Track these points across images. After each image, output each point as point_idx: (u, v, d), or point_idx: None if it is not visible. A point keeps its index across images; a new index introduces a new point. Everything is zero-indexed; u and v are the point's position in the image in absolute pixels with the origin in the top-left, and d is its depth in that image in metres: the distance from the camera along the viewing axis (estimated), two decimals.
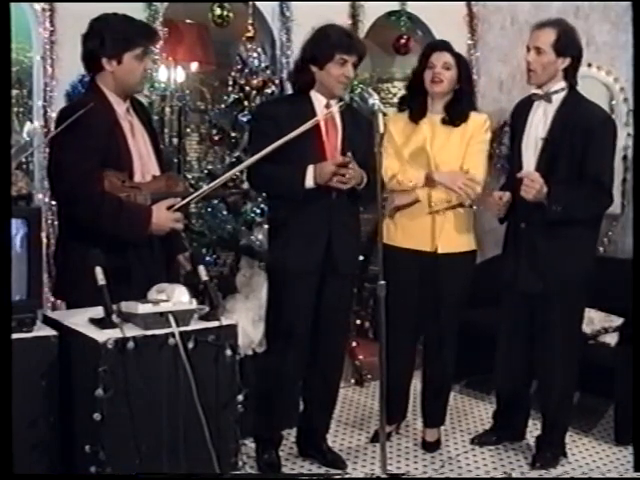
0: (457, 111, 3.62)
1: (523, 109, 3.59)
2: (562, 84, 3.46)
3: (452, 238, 3.62)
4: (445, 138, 3.63)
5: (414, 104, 3.67)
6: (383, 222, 3.53)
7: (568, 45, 3.41)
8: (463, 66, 3.63)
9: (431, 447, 3.83)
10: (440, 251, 3.61)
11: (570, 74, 3.46)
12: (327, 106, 3.36)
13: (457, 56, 3.62)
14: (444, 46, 3.63)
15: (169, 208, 2.90)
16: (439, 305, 3.66)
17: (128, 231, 2.86)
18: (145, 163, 3.01)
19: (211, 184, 3.06)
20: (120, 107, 3.01)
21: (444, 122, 3.64)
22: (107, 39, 2.93)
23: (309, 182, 3.23)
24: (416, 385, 3.93)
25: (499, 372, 3.81)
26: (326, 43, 3.28)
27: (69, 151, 2.84)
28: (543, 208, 3.34)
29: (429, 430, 3.86)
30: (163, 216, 2.88)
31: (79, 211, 2.87)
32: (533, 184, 3.30)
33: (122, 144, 2.94)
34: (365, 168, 3.27)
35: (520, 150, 3.54)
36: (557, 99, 3.46)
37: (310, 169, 3.23)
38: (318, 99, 3.37)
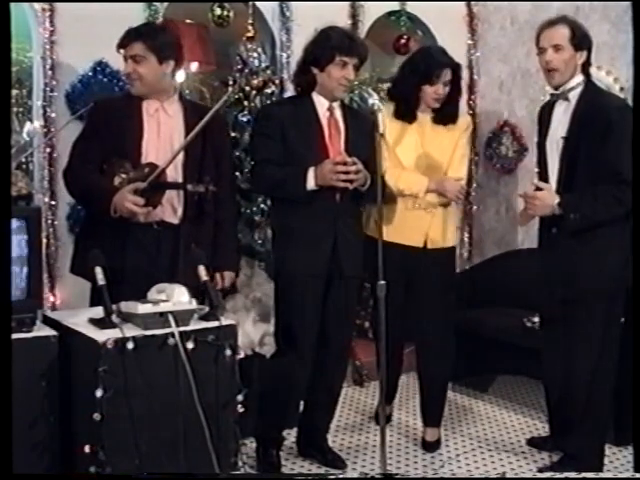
0: (447, 112, 3.66)
1: (545, 111, 3.53)
2: (579, 79, 3.38)
3: (441, 234, 3.67)
4: (434, 139, 3.66)
5: (405, 108, 3.66)
6: (372, 219, 3.63)
7: (583, 38, 3.36)
8: (457, 75, 3.65)
9: (431, 447, 3.82)
10: (429, 247, 3.65)
11: (587, 68, 3.39)
12: (329, 109, 3.38)
13: (453, 69, 3.62)
14: (449, 64, 3.62)
15: (135, 192, 2.99)
16: (432, 302, 3.67)
17: (94, 204, 3.11)
18: (160, 158, 3.09)
19: (160, 168, 3.04)
20: (150, 105, 3.18)
21: (435, 121, 3.67)
22: None
23: (310, 184, 3.25)
24: (416, 385, 3.93)
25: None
26: (327, 45, 3.29)
27: (80, 134, 3.22)
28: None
29: (429, 430, 3.86)
30: (121, 197, 2.98)
31: (64, 177, 3.21)
32: (533, 201, 3.29)
33: (135, 137, 3.11)
34: (369, 170, 3.27)
35: (545, 153, 3.47)
36: (574, 96, 3.37)
37: (311, 170, 3.25)
38: (320, 101, 3.38)
